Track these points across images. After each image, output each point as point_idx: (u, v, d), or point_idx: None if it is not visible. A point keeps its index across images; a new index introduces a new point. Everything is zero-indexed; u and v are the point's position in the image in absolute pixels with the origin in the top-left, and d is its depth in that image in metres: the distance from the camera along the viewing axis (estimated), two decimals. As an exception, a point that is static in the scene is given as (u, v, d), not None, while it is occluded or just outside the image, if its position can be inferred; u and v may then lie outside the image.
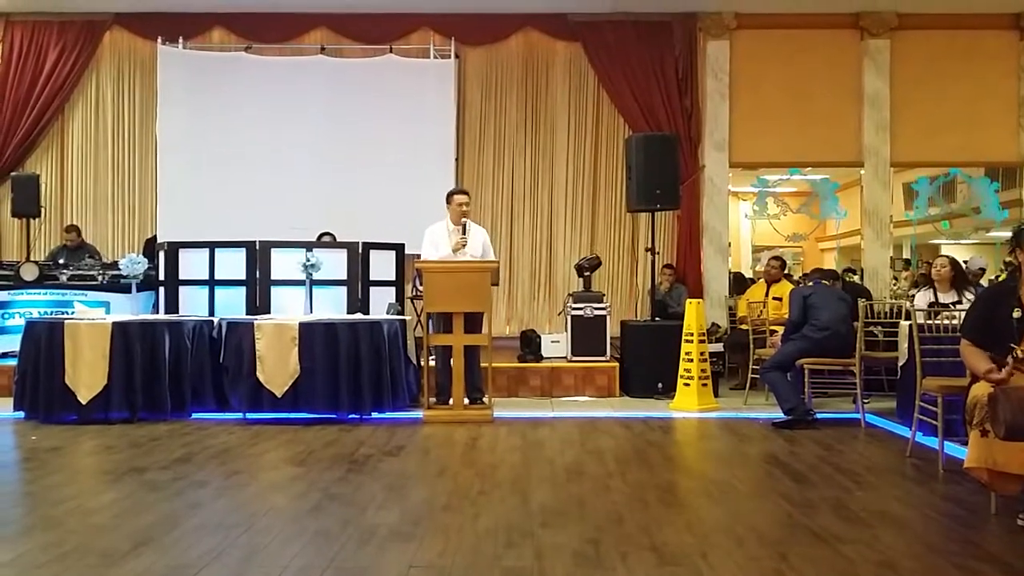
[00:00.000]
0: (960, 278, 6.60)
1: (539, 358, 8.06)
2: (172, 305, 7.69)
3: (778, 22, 9.91)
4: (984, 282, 8.81)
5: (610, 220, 10.33)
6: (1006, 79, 9.93)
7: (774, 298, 7.99)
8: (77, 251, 9.13)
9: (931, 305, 6.20)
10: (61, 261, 8.71)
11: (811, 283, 6.83)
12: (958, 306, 6.07)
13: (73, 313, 7.47)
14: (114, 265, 8.34)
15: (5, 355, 7.91)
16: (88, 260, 8.72)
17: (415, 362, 7.00)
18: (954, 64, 9.87)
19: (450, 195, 6.99)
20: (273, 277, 7.53)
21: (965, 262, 8.56)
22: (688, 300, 7.49)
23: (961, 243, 14.18)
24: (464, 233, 6.78)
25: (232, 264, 7.59)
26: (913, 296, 7.38)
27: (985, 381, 3.74)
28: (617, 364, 7.88)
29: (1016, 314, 3.81)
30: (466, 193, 7.09)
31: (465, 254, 6.75)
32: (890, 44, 9.86)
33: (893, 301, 7.60)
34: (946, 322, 5.28)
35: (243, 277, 7.58)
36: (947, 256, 6.91)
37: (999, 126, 9.89)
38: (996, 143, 9.92)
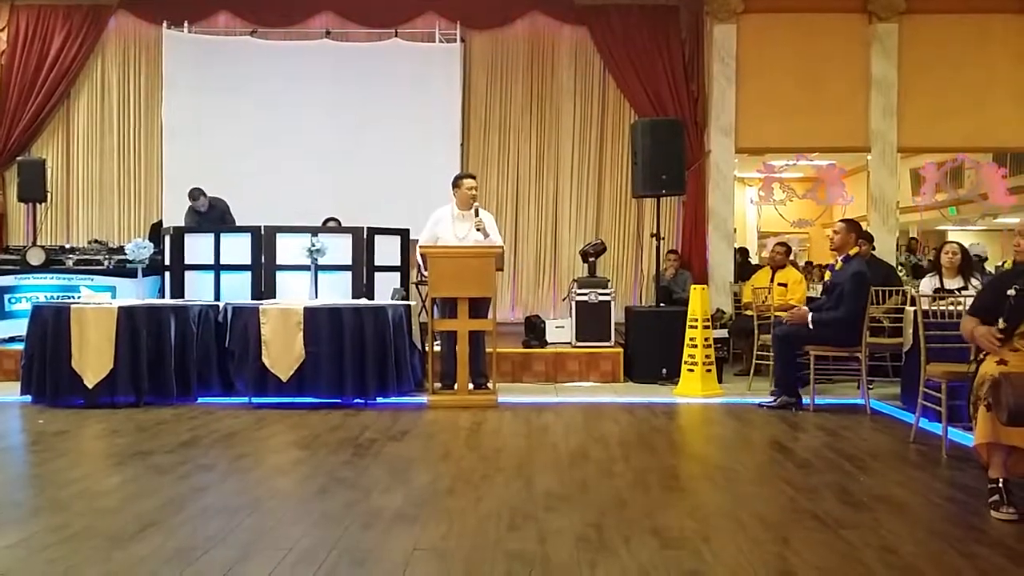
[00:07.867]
0: (967, 265, 6.58)
1: (543, 344, 8.06)
2: (178, 290, 7.71)
3: (785, 6, 9.81)
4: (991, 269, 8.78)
5: (615, 205, 10.30)
6: (1015, 64, 9.78)
7: (779, 284, 7.96)
8: (210, 213, 8.58)
9: (936, 291, 6.18)
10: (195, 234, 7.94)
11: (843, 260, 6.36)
12: (963, 292, 6.05)
13: (79, 297, 7.50)
14: (120, 250, 8.37)
15: (12, 339, 7.95)
16: (94, 244, 8.74)
17: (420, 347, 7.02)
18: (963, 48, 9.74)
19: (458, 179, 6.97)
20: (278, 262, 7.55)
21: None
22: (693, 286, 7.49)
23: (968, 229, 14.14)
24: (477, 216, 6.74)
25: (237, 249, 7.61)
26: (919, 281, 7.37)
27: (979, 342, 3.95)
28: (621, 350, 7.88)
29: (1011, 292, 3.83)
30: (474, 177, 7.07)
31: (489, 237, 6.68)
32: (898, 28, 9.74)
33: (899, 287, 7.58)
34: (951, 308, 5.27)
35: (248, 262, 7.60)
36: (956, 243, 6.89)
37: (1008, 111, 9.75)
38: (1005, 128, 9.81)
